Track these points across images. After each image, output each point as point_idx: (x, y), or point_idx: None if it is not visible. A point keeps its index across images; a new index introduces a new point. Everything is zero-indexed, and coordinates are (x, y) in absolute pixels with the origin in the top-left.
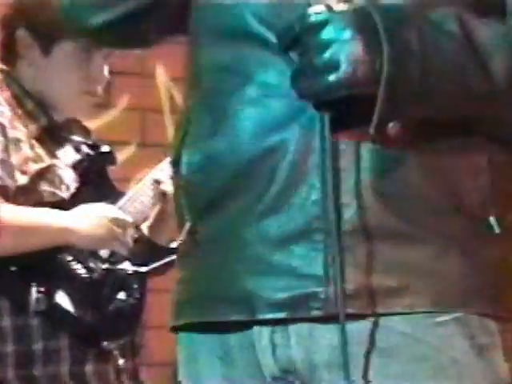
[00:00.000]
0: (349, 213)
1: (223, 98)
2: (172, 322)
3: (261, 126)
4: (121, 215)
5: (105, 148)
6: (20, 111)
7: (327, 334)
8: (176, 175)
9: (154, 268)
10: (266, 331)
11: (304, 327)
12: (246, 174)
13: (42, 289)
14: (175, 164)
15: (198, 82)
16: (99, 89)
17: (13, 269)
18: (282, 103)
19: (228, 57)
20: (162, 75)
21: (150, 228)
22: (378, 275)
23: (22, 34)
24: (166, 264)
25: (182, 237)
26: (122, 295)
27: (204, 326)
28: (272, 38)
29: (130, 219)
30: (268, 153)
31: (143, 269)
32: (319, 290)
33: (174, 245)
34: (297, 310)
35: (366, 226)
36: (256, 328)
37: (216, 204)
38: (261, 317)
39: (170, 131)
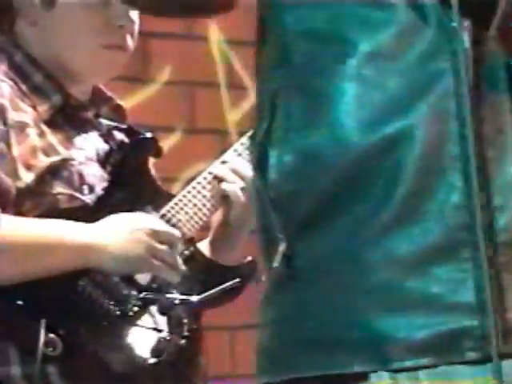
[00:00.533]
0: (504, 218)
1: (320, 76)
2: (263, 378)
3: (374, 110)
4: (164, 227)
5: (145, 134)
6: (25, 87)
7: (475, 380)
8: (260, 181)
9: (211, 296)
10: (386, 376)
11: (442, 370)
12: (359, 174)
13: (59, 328)
14: (258, 166)
15: (284, 56)
16: (128, 40)
17: (18, 302)
18: (402, 77)
19: (323, 19)
20: (215, 38)
21: (208, 242)
22: None
23: None
24: (227, 291)
25: (275, 262)
26: (165, 334)
27: (300, 382)
28: None
29: (177, 232)
30: (386, 145)
31: (195, 298)
32: (472, 323)
33: (238, 264)
34: (444, 354)
35: None
36: (374, 376)
37: (321, 217)
38: (398, 365)
39: (228, 112)
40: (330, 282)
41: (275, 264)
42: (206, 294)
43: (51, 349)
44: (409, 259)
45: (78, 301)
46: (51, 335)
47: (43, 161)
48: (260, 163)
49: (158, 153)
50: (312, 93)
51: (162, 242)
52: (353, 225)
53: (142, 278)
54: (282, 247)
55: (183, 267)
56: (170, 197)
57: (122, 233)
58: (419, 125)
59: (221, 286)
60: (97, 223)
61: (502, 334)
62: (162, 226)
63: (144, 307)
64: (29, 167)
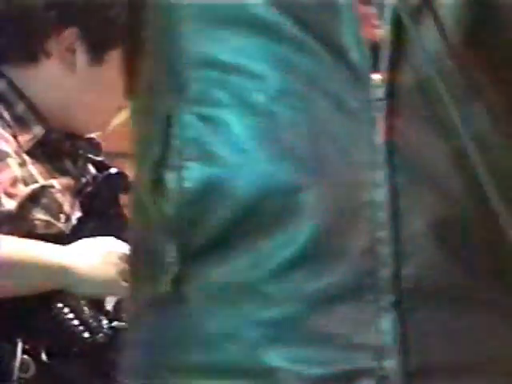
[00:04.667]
0: (409, 266)
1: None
2: None
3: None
4: None
5: (114, 171)
6: (7, 115)
7: None
8: (155, 205)
9: None
10: None
11: None
12: (263, 209)
13: (32, 350)
14: (154, 187)
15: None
16: None
17: None
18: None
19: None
20: None
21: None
22: (446, 347)
23: (72, 33)
24: None
25: (161, 287)
26: None
27: None
28: None
29: None
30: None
31: None
32: (373, 364)
33: None
34: None
35: (429, 284)
36: None
37: (220, 246)
38: None
39: None
40: (223, 311)
41: (162, 288)
42: None
43: (25, 370)
44: (312, 298)
45: (52, 325)
46: (24, 356)
47: (23, 190)
48: (155, 185)
49: (126, 189)
50: (212, 122)
51: None
52: (255, 258)
53: (109, 305)
54: (171, 271)
55: None
56: None
57: (94, 255)
58: None
59: None
60: (70, 245)
61: (404, 376)
62: None
63: (114, 336)
64: (10, 195)
